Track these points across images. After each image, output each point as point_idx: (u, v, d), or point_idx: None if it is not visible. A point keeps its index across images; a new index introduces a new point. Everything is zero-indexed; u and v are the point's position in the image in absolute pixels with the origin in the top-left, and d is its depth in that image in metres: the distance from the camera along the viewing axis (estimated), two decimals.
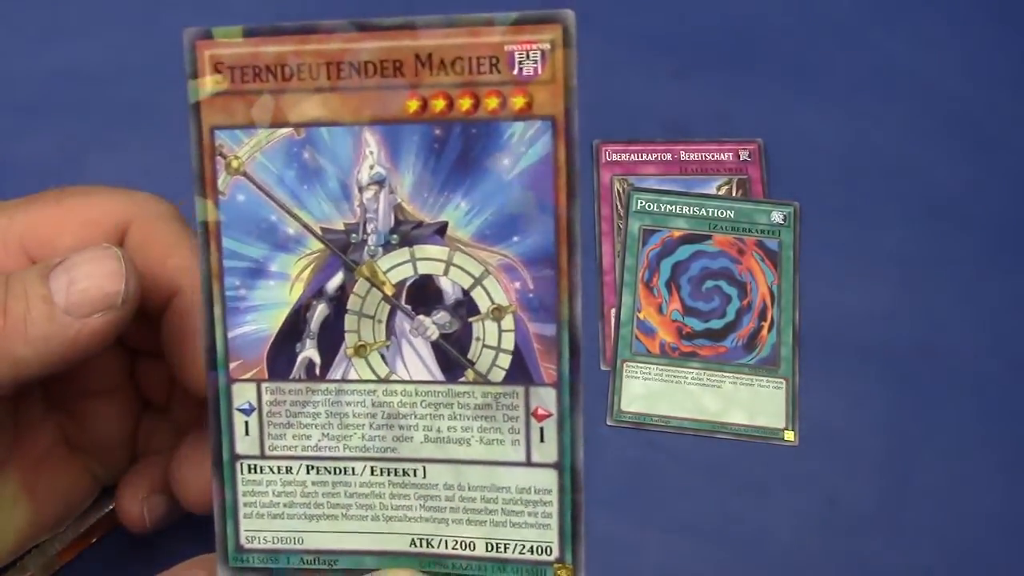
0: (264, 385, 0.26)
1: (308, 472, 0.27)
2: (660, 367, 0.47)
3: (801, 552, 0.44)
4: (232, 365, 0.26)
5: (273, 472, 0.27)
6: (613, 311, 0.48)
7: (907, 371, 0.47)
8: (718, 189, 0.50)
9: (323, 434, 0.26)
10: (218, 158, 0.26)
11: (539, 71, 0.24)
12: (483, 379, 0.26)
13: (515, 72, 0.24)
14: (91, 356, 0.29)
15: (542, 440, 0.26)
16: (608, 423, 0.46)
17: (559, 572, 0.26)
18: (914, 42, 0.54)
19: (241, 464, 0.27)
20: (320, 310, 0.26)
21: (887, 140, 0.52)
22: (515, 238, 0.25)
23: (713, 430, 0.46)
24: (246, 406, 0.27)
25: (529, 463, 0.26)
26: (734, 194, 0.50)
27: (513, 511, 0.26)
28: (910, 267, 0.49)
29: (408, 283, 0.26)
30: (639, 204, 0.49)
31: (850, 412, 0.46)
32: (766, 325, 0.48)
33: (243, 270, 0.26)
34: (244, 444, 0.27)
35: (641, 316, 0.48)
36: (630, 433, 0.46)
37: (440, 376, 0.26)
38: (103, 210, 0.33)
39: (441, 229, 0.25)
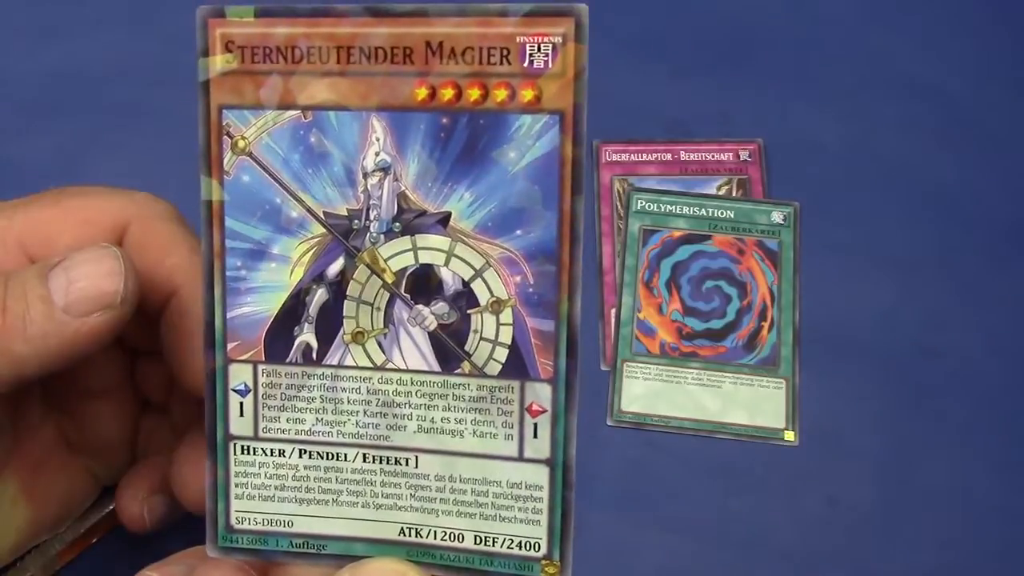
0: (261, 367, 0.26)
1: (300, 456, 0.27)
2: (660, 367, 0.47)
3: (801, 552, 0.44)
4: (230, 346, 0.26)
5: (266, 454, 0.27)
6: (613, 311, 0.48)
7: (907, 371, 0.47)
8: (718, 189, 0.50)
9: (317, 419, 0.26)
10: (225, 137, 0.26)
11: (549, 64, 0.24)
12: (479, 372, 0.26)
13: (525, 64, 0.24)
14: (90, 355, 0.29)
15: (535, 436, 0.26)
16: (608, 423, 0.46)
17: (546, 568, 0.26)
18: (914, 42, 0.54)
19: (234, 444, 0.27)
20: (319, 295, 0.26)
21: (887, 140, 0.52)
22: (518, 232, 0.25)
23: (713, 430, 0.46)
24: (242, 387, 0.27)
25: (521, 458, 0.26)
26: (734, 194, 0.50)
27: (503, 505, 0.26)
28: (910, 267, 0.49)
29: (408, 272, 0.26)
30: (639, 204, 0.49)
31: (850, 412, 0.46)
32: (766, 325, 0.48)
33: (245, 251, 0.26)
34: (238, 425, 0.27)
35: (641, 316, 0.48)
36: (630, 433, 0.46)
37: (436, 367, 0.26)
38: (102, 210, 0.33)
39: (444, 219, 0.25)
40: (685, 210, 0.49)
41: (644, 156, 0.51)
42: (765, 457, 0.46)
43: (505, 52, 0.24)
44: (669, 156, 0.51)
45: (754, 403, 0.46)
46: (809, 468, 0.45)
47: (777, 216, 0.49)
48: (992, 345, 0.48)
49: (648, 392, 0.46)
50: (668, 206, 0.49)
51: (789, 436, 0.46)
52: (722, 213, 0.49)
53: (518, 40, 0.24)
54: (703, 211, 0.49)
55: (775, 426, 0.46)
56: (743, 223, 0.49)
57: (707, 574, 0.44)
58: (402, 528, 0.26)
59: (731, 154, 0.51)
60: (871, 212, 0.50)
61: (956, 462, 0.46)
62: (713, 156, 0.51)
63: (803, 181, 0.50)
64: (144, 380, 0.37)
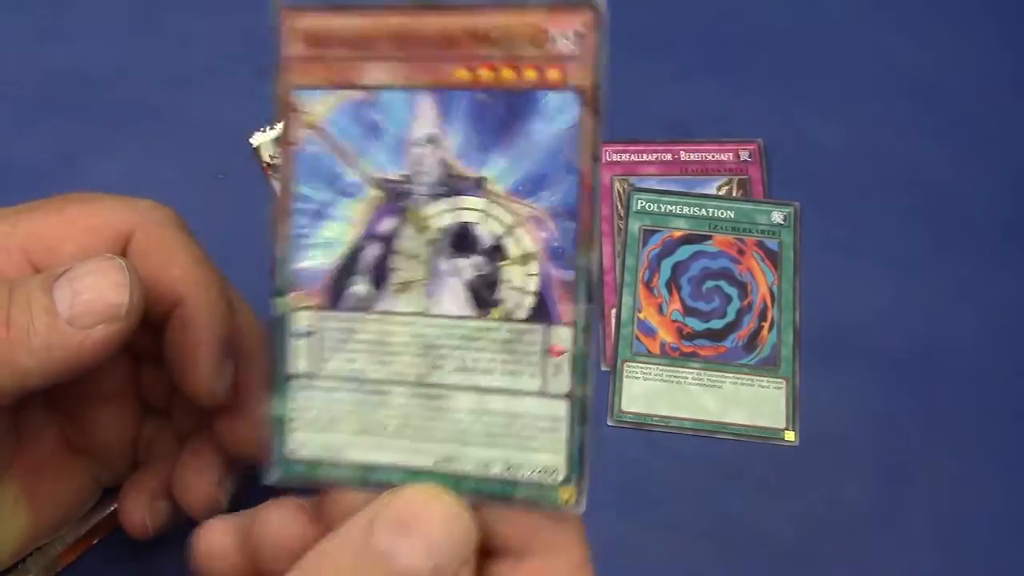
0: (320, 313, 0.31)
1: (352, 393, 0.31)
2: (660, 367, 0.48)
3: (801, 552, 0.44)
4: (293, 294, 0.31)
5: (321, 391, 0.31)
6: (613, 311, 0.48)
7: (907, 371, 0.47)
8: (718, 189, 0.51)
9: (367, 359, 0.31)
10: (294, 113, 0.31)
11: (573, 49, 0.29)
12: (508, 317, 0.30)
13: (553, 49, 0.29)
14: (95, 366, 0.29)
15: (556, 374, 0.30)
16: (608, 423, 0.47)
17: (563, 494, 0.30)
18: (914, 42, 0.56)
19: (293, 382, 0.31)
20: (373, 249, 0.30)
21: (887, 140, 0.53)
22: (544, 193, 0.30)
23: (713, 430, 0.47)
24: (302, 330, 0.31)
25: (544, 394, 0.30)
26: (734, 194, 0.51)
27: (527, 436, 0.30)
28: (910, 267, 0.50)
29: (449, 229, 0.30)
30: (639, 204, 0.50)
31: (850, 412, 0.47)
32: (766, 325, 0.49)
33: (310, 211, 0.31)
34: (297, 364, 0.31)
35: (641, 316, 0.49)
36: (630, 433, 0.47)
37: (472, 313, 0.30)
38: (106, 218, 0.34)
39: (480, 183, 0.30)
40: (685, 210, 0.50)
41: (644, 156, 0.52)
42: (765, 457, 0.46)
43: (535, 39, 0.29)
44: (669, 156, 0.52)
45: (754, 403, 0.47)
46: (809, 468, 0.46)
47: (777, 216, 0.50)
48: (992, 345, 0.49)
49: (648, 392, 0.47)
50: (668, 206, 0.50)
51: (789, 436, 0.46)
52: (722, 213, 0.50)
53: (546, 29, 0.29)
54: (703, 211, 0.50)
55: (775, 426, 0.46)
56: (743, 223, 0.50)
57: (707, 574, 0.45)
58: (437, 458, 0.30)
59: (731, 154, 0.52)
60: (871, 212, 0.52)
61: (956, 462, 0.47)
62: (713, 156, 0.52)
63: (803, 181, 0.52)
64: (147, 386, 0.38)
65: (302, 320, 0.30)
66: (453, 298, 0.30)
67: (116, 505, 0.39)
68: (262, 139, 0.54)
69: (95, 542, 0.42)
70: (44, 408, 0.37)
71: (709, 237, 0.51)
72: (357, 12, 0.30)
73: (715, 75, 0.55)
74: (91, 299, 0.29)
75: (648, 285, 0.50)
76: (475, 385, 0.30)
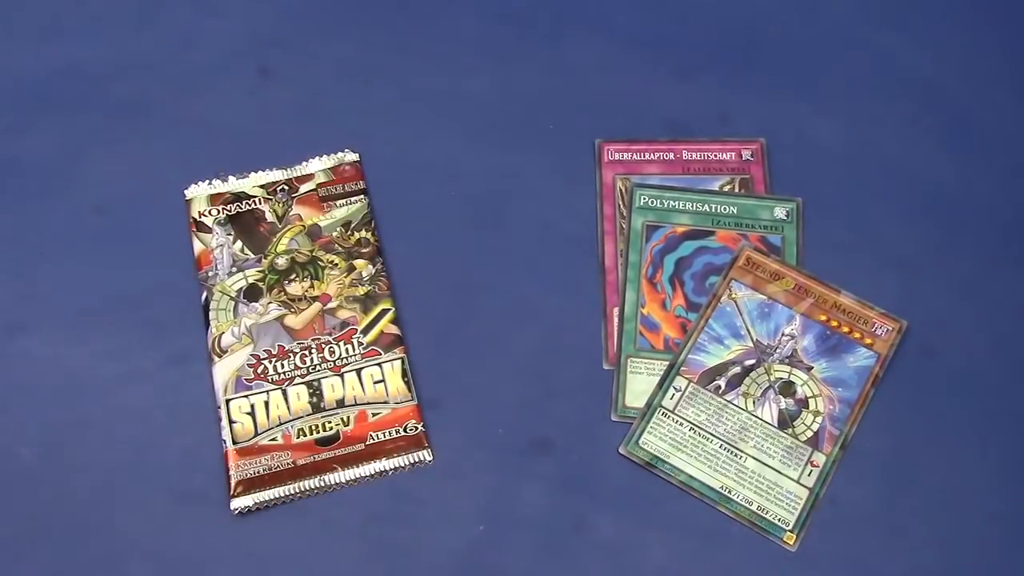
0: (694, 385, 0.49)
1: (690, 430, 0.48)
2: (664, 362, 0.48)
3: (801, 552, 0.44)
4: (684, 369, 0.50)
5: (673, 422, 0.49)
6: (615, 310, 0.49)
7: (907, 371, 0.47)
8: (720, 188, 0.51)
9: (708, 418, 0.48)
10: (730, 292, 0.48)
11: (884, 340, 0.50)
12: (795, 436, 0.48)
13: (872, 331, 0.50)
14: None
15: (809, 476, 0.47)
16: (612, 418, 0.47)
17: (788, 537, 0.46)
18: (914, 42, 0.56)
19: (661, 412, 0.50)
20: (735, 369, 0.49)
21: (888, 140, 0.53)
22: (840, 390, 0.49)
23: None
24: (680, 387, 0.49)
25: (798, 482, 0.47)
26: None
27: (779, 497, 0.47)
28: (910, 267, 0.50)
29: (782, 380, 0.50)
30: (642, 200, 0.51)
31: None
32: None
33: (712, 336, 0.49)
34: (670, 404, 0.49)
35: (645, 312, 0.49)
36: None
37: (776, 425, 0.48)
38: None
39: (809, 369, 0.50)
40: (688, 206, 0.51)
41: (646, 155, 0.52)
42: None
43: (867, 323, 0.49)
44: (671, 155, 0.52)
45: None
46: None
47: (780, 212, 0.51)
48: (992, 345, 0.49)
49: (651, 387, 0.47)
50: (671, 202, 0.50)
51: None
52: (725, 209, 0.51)
53: (875, 323, 0.50)
54: (706, 207, 0.51)
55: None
56: (746, 219, 0.50)
57: (707, 574, 0.44)
58: (723, 485, 0.48)
59: (733, 153, 0.52)
60: (872, 212, 0.52)
61: (956, 462, 0.47)
62: (715, 155, 0.52)
63: (805, 180, 0.52)
64: None
65: (681, 383, 0.49)
66: (770, 413, 0.48)
67: None
68: (195, 192, 0.52)
69: None
70: None
71: (712, 233, 0.51)
72: (789, 272, 0.51)
73: (717, 75, 0.55)
74: None
75: (651, 281, 0.50)
76: (760, 459, 0.48)
